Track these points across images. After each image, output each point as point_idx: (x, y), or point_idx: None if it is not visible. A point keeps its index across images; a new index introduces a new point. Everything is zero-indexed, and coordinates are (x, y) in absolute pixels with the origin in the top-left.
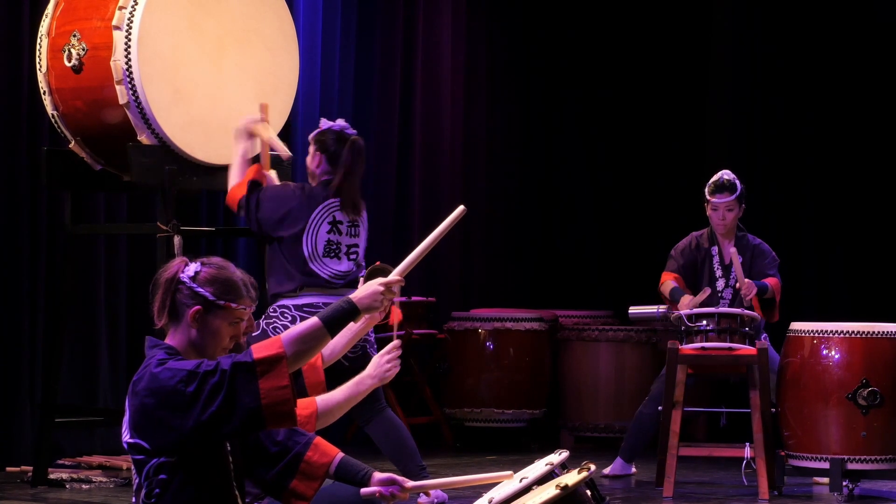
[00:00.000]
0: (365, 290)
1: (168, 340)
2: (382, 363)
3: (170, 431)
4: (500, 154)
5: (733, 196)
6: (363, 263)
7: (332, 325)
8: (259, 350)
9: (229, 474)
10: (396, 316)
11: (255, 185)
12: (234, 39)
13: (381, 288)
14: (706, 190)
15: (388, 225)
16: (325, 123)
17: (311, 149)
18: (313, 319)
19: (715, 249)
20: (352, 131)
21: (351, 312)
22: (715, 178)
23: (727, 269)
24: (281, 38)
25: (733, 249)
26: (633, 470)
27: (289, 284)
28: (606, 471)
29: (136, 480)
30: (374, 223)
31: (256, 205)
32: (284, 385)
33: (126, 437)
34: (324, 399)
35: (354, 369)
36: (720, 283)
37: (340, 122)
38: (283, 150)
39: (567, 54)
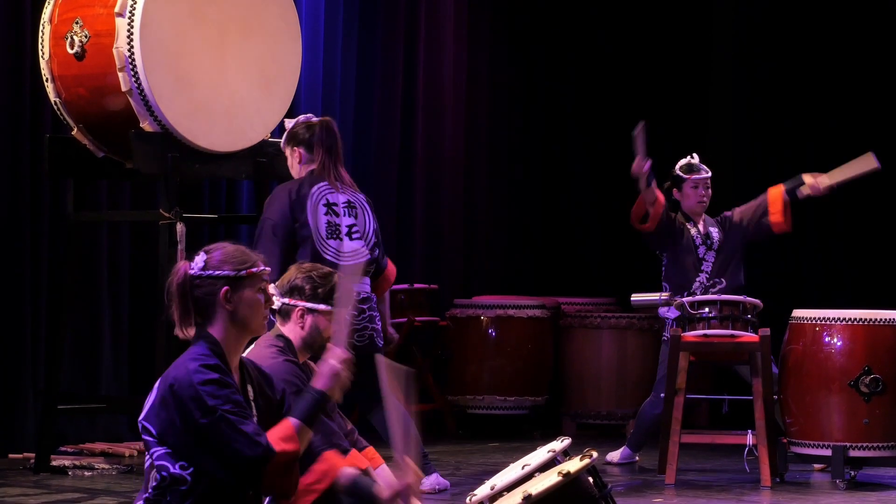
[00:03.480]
0: (323, 374)
1: (211, 331)
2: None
3: (176, 435)
4: (503, 141)
5: (710, 174)
6: (380, 243)
7: (312, 419)
8: (278, 442)
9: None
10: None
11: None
12: (236, 27)
13: (338, 366)
14: (680, 171)
15: (391, 215)
16: (288, 123)
17: (287, 151)
18: (291, 422)
19: (690, 225)
20: (316, 117)
21: (323, 401)
22: (685, 161)
23: (705, 237)
24: (283, 26)
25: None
26: (637, 458)
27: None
28: (614, 457)
29: (149, 461)
30: (377, 209)
31: (273, 225)
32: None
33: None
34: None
35: (361, 357)
36: (701, 250)
37: (301, 116)
38: None
39: (569, 45)
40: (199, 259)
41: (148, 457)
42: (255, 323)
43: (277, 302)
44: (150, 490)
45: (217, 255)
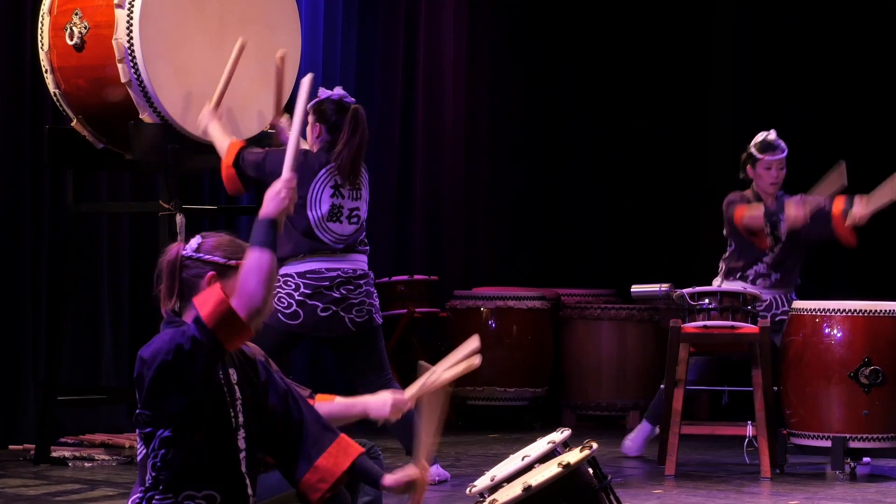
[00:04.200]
0: (266, 199)
1: (186, 317)
2: (390, 405)
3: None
4: (503, 132)
5: (785, 153)
6: (365, 225)
7: (271, 244)
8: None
9: (233, 441)
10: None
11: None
12: (235, 18)
13: (280, 188)
14: (755, 149)
15: (391, 206)
16: (323, 93)
17: (311, 119)
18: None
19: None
20: (350, 99)
21: (274, 226)
22: (762, 136)
23: (774, 224)
24: (283, 17)
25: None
26: (657, 431)
27: (292, 250)
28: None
29: (143, 451)
30: (375, 205)
31: (264, 158)
32: (222, 299)
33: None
34: (322, 406)
35: (360, 334)
36: (769, 239)
37: (339, 90)
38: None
39: (568, 25)
40: (194, 241)
41: (143, 448)
42: None
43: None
44: (147, 481)
45: (211, 241)
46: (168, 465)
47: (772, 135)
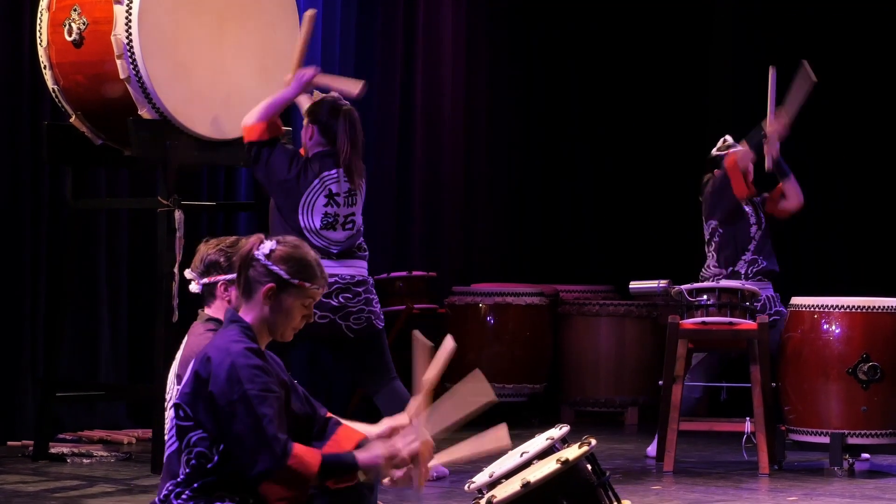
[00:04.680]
0: (371, 452)
1: (242, 314)
2: (398, 450)
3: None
4: (502, 129)
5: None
6: (362, 229)
7: (332, 472)
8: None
9: None
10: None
11: (273, 140)
12: (234, 14)
13: (383, 461)
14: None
15: (389, 203)
16: (317, 94)
17: (305, 120)
18: (318, 456)
19: (749, 207)
20: (344, 102)
21: (353, 469)
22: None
23: (757, 215)
24: (281, 13)
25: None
26: None
27: None
28: (650, 450)
29: (175, 445)
30: (374, 201)
31: (270, 154)
32: (284, 497)
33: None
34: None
35: (359, 340)
36: (753, 228)
37: (331, 94)
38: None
39: (568, 19)
40: (269, 245)
41: (176, 441)
42: (280, 331)
43: (196, 286)
44: (181, 475)
45: (284, 250)
46: (203, 466)
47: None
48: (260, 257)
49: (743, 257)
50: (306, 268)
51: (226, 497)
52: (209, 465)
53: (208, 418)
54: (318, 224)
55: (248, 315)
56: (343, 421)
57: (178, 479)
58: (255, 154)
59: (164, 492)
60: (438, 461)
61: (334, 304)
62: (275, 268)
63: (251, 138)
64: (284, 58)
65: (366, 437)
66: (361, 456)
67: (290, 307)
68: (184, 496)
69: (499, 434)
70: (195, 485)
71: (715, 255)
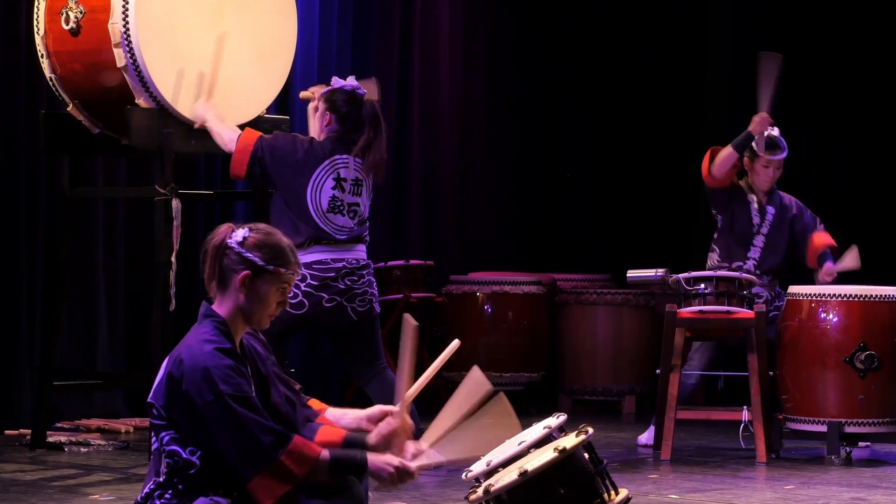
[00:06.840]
0: (379, 458)
1: (216, 307)
2: (387, 432)
3: (183, 416)
4: (499, 117)
5: (785, 154)
6: (367, 222)
7: (339, 469)
8: (297, 448)
9: None
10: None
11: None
12: (232, 2)
13: (393, 470)
14: (756, 145)
15: (386, 192)
16: (336, 82)
17: (322, 107)
18: (320, 452)
19: (752, 198)
20: (363, 91)
21: (361, 470)
22: (766, 133)
23: (762, 214)
24: (279, 2)
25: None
26: None
27: (297, 238)
28: (642, 438)
29: (156, 444)
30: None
31: (269, 146)
32: (280, 492)
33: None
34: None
35: (360, 323)
36: (756, 223)
37: (351, 80)
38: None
39: (565, 9)
40: (241, 232)
41: (155, 440)
42: (257, 318)
43: None
44: (162, 475)
45: (257, 237)
46: (179, 465)
47: (775, 132)
48: (233, 245)
49: (748, 254)
50: (280, 253)
51: (210, 493)
52: (192, 471)
53: (183, 417)
54: (325, 205)
55: (222, 307)
56: (327, 417)
57: (160, 480)
58: (259, 172)
59: (146, 490)
60: (427, 443)
61: (341, 286)
62: (249, 255)
63: (239, 173)
64: (282, 46)
65: (345, 435)
66: (373, 459)
67: (266, 294)
68: (167, 496)
69: (475, 376)
70: (180, 487)
71: (717, 248)
